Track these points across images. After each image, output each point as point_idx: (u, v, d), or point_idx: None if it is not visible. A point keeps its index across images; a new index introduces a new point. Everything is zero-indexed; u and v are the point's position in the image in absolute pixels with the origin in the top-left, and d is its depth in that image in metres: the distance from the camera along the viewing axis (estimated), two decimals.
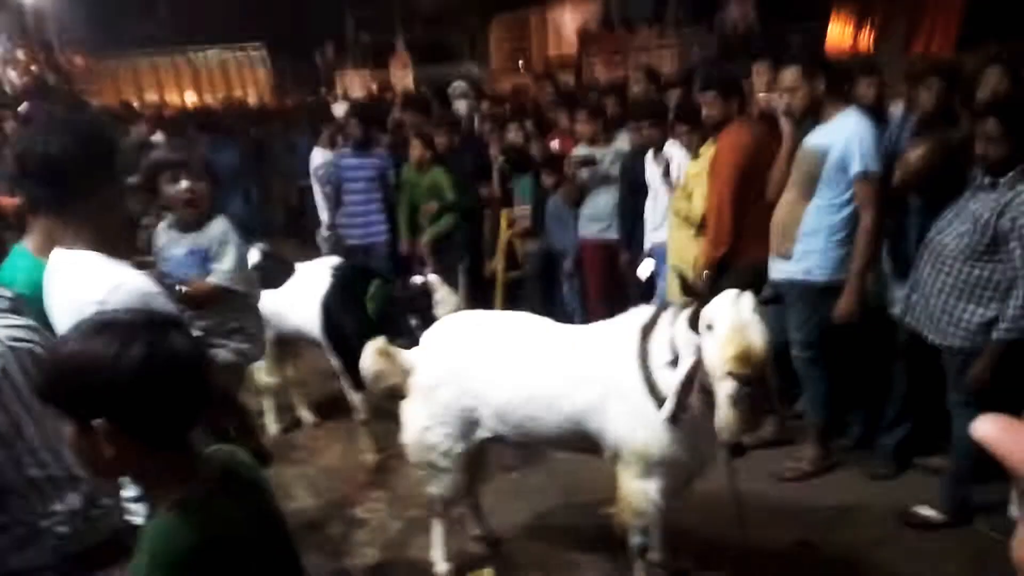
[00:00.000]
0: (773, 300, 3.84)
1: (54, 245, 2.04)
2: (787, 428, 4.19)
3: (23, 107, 7.38)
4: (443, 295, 3.95)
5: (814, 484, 3.88)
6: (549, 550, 3.50)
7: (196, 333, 2.06)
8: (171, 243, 2.81)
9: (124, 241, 2.06)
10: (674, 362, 2.66)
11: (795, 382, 3.97)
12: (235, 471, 1.45)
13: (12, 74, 11.85)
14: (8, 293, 1.63)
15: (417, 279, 4.02)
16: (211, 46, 19.70)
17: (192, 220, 2.78)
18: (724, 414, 2.47)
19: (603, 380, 2.81)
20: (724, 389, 2.43)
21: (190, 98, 18.59)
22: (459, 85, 8.22)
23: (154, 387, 1.25)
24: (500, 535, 3.59)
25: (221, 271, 2.71)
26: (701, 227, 4.27)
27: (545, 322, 3.17)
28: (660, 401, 2.67)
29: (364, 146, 6.04)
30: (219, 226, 2.79)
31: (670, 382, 2.63)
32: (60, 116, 3.04)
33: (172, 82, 19.31)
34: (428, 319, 3.73)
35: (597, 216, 5.27)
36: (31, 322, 1.64)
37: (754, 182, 3.99)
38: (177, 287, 2.55)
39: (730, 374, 2.38)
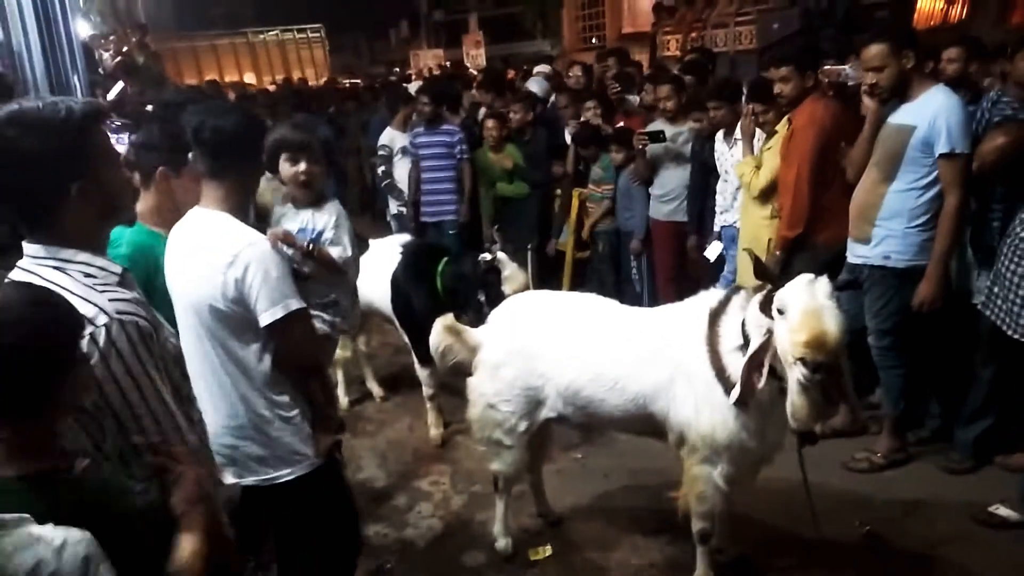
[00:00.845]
0: (850, 285, 3.72)
1: (161, 213, 2.42)
2: (861, 418, 4.06)
3: (112, 92, 7.62)
4: (511, 273, 3.95)
5: (886, 476, 3.75)
6: (610, 531, 3.48)
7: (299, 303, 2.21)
8: (283, 218, 2.88)
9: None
10: (744, 347, 2.60)
11: (871, 370, 3.83)
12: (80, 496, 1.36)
13: (106, 55, 12.30)
14: (116, 268, 1.70)
15: (486, 256, 4.02)
16: (270, 28, 19.95)
17: (304, 200, 2.84)
18: (794, 401, 2.41)
19: (670, 363, 2.78)
20: (795, 375, 2.37)
21: (249, 79, 18.86)
22: (540, 70, 8.25)
23: (22, 368, 1.31)
24: (561, 514, 3.59)
25: (341, 255, 2.78)
26: (764, 200, 4.20)
27: (612, 303, 3.16)
28: (728, 386, 2.62)
29: (434, 122, 6.06)
30: (333, 209, 2.85)
31: (739, 367, 2.58)
32: (213, 102, 3.30)
33: (232, 64, 19.64)
34: (496, 296, 3.75)
35: (667, 196, 5.18)
36: (137, 295, 1.72)
37: (832, 161, 3.85)
38: (308, 243, 2.67)
39: (801, 360, 2.32)
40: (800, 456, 2.63)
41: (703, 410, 2.71)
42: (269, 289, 2.12)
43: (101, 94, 7.31)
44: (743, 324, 2.63)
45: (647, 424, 2.91)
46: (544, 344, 3.00)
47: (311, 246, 2.67)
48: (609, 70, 7.38)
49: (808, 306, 2.34)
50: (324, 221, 2.80)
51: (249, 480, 2.28)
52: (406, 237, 4.73)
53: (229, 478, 2.27)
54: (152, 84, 8.79)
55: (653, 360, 2.81)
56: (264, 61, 20.06)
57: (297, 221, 2.83)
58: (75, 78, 5.33)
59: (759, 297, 2.56)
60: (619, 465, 3.94)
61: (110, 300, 1.60)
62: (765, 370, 2.50)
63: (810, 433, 2.54)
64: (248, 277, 2.11)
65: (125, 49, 12.41)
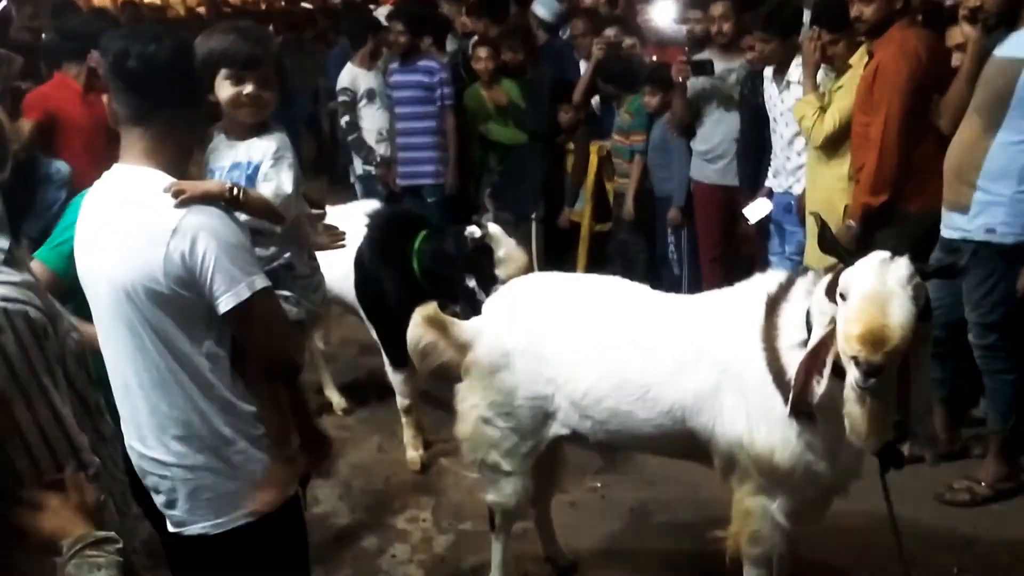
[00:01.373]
0: (944, 271, 3.71)
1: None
2: (960, 437, 4.08)
3: None
4: (507, 252, 3.94)
5: (992, 511, 3.78)
6: None
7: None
8: (213, 153, 2.76)
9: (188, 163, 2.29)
10: (808, 343, 2.60)
11: (974, 376, 3.85)
12: None
13: None
14: (2, 243, 1.69)
15: (475, 230, 4.00)
16: None
17: (245, 125, 2.72)
18: (850, 412, 2.43)
19: (717, 365, 2.78)
20: (849, 378, 2.38)
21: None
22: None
23: None
24: (575, 559, 3.60)
25: (278, 194, 2.62)
26: (831, 152, 4.24)
27: (642, 289, 3.15)
28: (789, 394, 2.62)
29: (409, 56, 6.04)
30: (275, 139, 2.72)
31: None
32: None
33: None
34: (489, 280, 3.76)
35: (713, 152, 5.18)
36: (29, 277, 1.72)
37: (925, 106, 3.85)
38: (233, 187, 2.43)
39: (854, 360, 2.32)
40: (884, 484, 2.64)
41: (758, 426, 2.71)
42: (227, 265, 2.07)
43: None
44: (807, 314, 2.63)
45: (686, 444, 2.92)
46: (554, 341, 2.99)
47: (236, 190, 2.41)
48: None
49: (871, 292, 2.33)
50: (263, 152, 2.68)
51: (196, 528, 2.22)
52: (374, 204, 4.71)
53: (170, 527, 2.25)
54: (47, 5, 8.73)
55: (695, 362, 2.81)
56: None
57: (228, 156, 2.72)
58: None
59: (827, 279, 2.56)
60: (649, 496, 3.96)
61: None
62: (827, 371, 2.49)
63: (896, 452, 2.54)
64: (198, 250, 2.04)
65: None
